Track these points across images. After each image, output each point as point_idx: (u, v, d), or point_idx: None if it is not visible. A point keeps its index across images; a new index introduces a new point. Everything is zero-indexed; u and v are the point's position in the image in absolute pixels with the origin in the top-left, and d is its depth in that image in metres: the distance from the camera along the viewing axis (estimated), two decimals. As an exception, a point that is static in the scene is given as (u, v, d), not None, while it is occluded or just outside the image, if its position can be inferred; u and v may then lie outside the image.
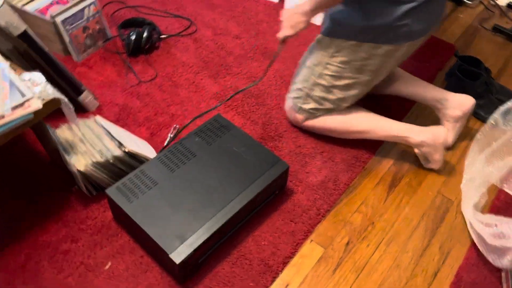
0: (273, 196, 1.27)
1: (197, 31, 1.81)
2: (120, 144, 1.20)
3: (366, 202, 1.32)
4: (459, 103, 1.39)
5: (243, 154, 1.23)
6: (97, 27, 1.66)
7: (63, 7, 1.54)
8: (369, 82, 1.32)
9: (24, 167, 1.31)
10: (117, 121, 1.45)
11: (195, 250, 1.04)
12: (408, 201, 1.33)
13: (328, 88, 1.32)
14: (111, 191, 1.12)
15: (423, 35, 1.26)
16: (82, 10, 1.58)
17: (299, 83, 1.37)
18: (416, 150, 1.40)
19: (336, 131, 1.40)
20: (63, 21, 1.54)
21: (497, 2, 2.17)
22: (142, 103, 1.51)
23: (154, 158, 1.21)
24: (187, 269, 1.07)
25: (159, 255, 1.10)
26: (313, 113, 1.38)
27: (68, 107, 1.06)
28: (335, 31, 1.25)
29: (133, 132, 1.42)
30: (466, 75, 1.59)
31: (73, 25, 1.57)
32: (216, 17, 1.89)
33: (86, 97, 1.43)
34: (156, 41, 1.71)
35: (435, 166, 1.38)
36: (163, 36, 1.76)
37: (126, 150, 1.19)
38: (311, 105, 1.36)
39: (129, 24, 1.77)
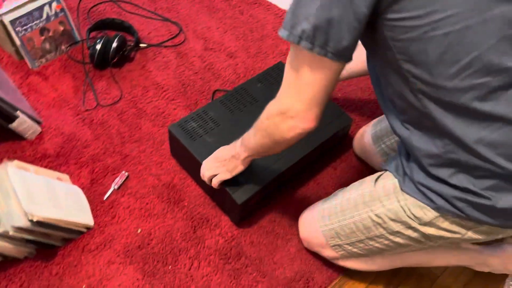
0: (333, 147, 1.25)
1: (185, 41, 1.49)
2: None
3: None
4: None
5: None
6: (61, 28, 1.37)
7: (16, 3, 1.26)
8: None
9: None
10: (57, 156, 1.18)
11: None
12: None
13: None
14: (173, 128, 1.11)
15: None
16: (41, 8, 1.29)
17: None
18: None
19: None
20: (13, 21, 1.25)
21: None
22: (93, 135, 1.23)
23: (216, 100, 1.19)
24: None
25: None
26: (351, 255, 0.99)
27: None
28: None
29: (72, 175, 1.14)
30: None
31: (27, 26, 1.28)
32: (212, 24, 1.55)
33: (21, 125, 1.16)
34: (131, 51, 1.41)
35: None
36: (142, 45, 1.45)
37: (34, 220, 0.92)
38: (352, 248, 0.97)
39: (102, 26, 1.47)
